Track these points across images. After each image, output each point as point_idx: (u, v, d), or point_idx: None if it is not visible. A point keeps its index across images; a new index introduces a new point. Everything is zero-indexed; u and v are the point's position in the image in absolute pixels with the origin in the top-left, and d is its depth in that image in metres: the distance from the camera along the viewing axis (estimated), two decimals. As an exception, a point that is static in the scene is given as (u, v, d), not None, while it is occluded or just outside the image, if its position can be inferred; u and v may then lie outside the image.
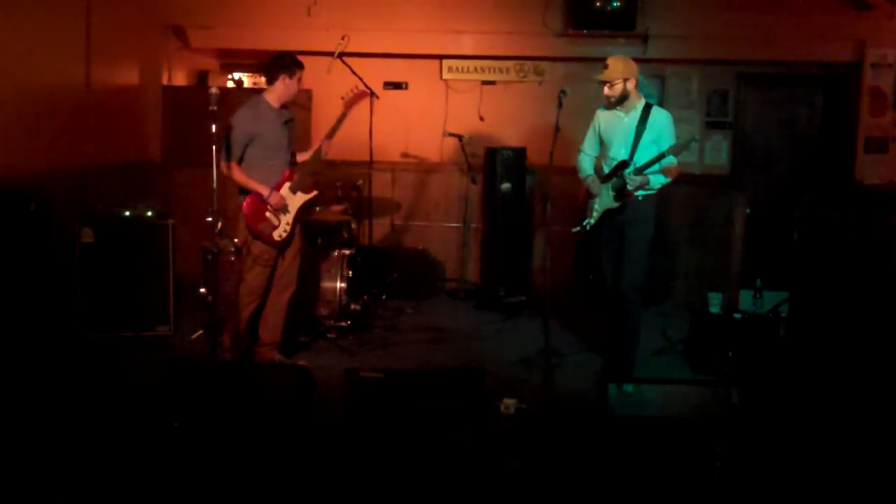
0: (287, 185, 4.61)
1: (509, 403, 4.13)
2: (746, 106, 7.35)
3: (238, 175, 4.49)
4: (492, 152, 6.67)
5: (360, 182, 6.13)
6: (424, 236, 7.31)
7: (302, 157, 4.80)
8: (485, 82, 7.33)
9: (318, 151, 4.74)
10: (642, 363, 5.02)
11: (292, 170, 4.67)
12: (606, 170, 4.61)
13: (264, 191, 4.49)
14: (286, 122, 4.64)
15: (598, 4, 6.56)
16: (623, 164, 4.48)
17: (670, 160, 4.38)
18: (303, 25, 6.89)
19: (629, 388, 3.65)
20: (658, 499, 3.22)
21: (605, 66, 4.50)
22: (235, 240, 4.70)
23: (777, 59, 7.02)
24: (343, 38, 5.88)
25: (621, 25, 6.67)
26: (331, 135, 4.76)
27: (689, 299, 6.37)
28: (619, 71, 4.48)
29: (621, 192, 4.48)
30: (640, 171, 4.37)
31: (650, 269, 6.48)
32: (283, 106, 4.65)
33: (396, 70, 7.30)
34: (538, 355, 5.02)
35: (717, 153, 7.37)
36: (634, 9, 6.59)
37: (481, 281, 7.07)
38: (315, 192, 4.76)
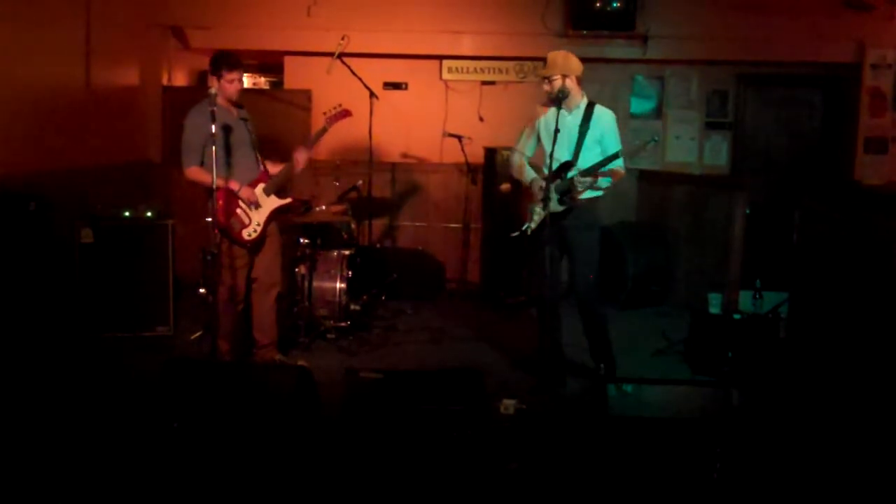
0: (261, 185, 4.56)
1: (509, 404, 4.13)
2: (746, 106, 7.36)
3: (203, 176, 4.31)
4: (491, 152, 6.67)
5: (360, 182, 6.13)
6: (424, 236, 7.31)
7: (275, 168, 4.69)
8: (484, 83, 7.34)
9: (293, 161, 4.60)
10: (642, 363, 5.02)
11: (267, 172, 4.62)
12: (546, 171, 4.40)
13: (234, 185, 4.43)
14: (242, 120, 4.55)
15: (598, 5, 6.57)
16: (566, 165, 4.33)
17: (618, 163, 4.26)
18: (303, 25, 6.90)
19: (629, 388, 3.64)
20: (658, 499, 3.22)
21: (544, 61, 4.37)
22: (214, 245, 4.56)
23: (777, 60, 7.03)
24: (343, 39, 5.88)
25: (621, 26, 6.67)
26: (308, 146, 4.66)
27: (689, 299, 6.36)
28: (558, 67, 4.33)
29: (567, 195, 4.33)
30: (587, 172, 4.23)
31: (649, 268, 6.54)
32: (239, 105, 4.58)
33: (396, 70, 7.30)
34: (538, 355, 5.01)
35: (716, 153, 7.37)
36: (634, 9, 6.59)
37: (481, 281, 7.07)
38: (289, 200, 4.69)
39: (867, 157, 6.90)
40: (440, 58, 7.26)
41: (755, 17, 6.77)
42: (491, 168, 6.66)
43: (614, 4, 6.54)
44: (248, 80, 7.96)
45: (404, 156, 7.34)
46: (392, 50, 7.06)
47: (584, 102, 4.42)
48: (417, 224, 7.33)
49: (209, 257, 4.17)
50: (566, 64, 4.36)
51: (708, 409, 3.46)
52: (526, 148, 4.64)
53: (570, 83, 4.37)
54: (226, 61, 4.45)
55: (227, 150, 4.42)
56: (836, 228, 5.12)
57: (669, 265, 6.81)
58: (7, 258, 4.59)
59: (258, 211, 4.54)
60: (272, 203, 4.60)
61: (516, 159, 4.67)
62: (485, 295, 6.73)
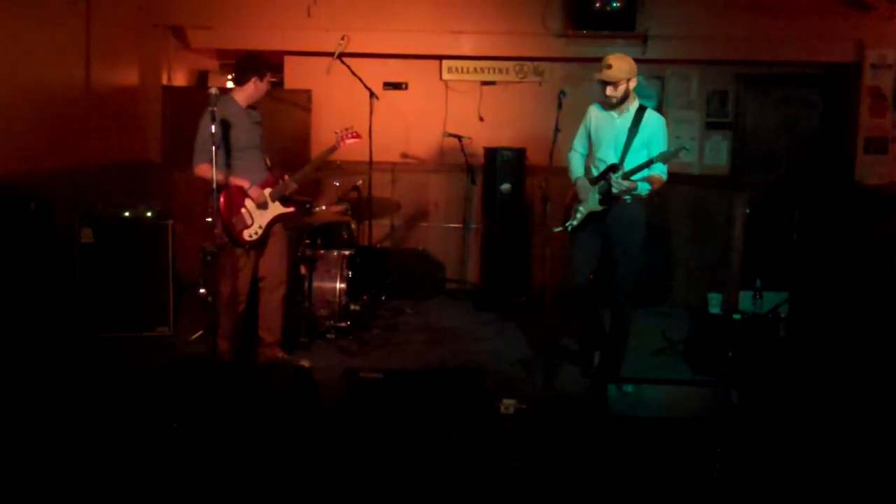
0: (269, 190, 4.59)
1: (509, 403, 4.13)
2: (746, 106, 7.35)
3: (211, 174, 4.30)
4: (491, 152, 6.67)
5: (360, 182, 6.14)
6: (424, 236, 7.31)
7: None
8: (484, 83, 7.33)
9: (299, 176, 4.71)
10: (642, 363, 5.02)
11: (277, 178, 4.65)
12: (595, 172, 4.52)
13: (245, 183, 4.47)
14: (256, 124, 4.61)
15: (597, 5, 6.56)
16: (612, 168, 4.37)
17: (658, 168, 4.27)
18: (302, 26, 6.90)
19: (629, 388, 3.64)
20: (658, 499, 3.22)
21: (609, 66, 4.30)
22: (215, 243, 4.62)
23: (777, 60, 7.03)
24: (343, 39, 5.88)
25: (621, 26, 6.66)
26: (316, 165, 4.83)
27: (689, 299, 6.36)
28: (624, 71, 4.31)
29: (607, 197, 4.38)
30: (627, 175, 4.28)
31: (650, 269, 6.54)
32: (252, 107, 4.62)
33: (396, 70, 7.30)
34: (538, 355, 5.02)
35: (716, 153, 7.37)
36: (634, 9, 6.59)
37: (481, 281, 7.07)
38: (292, 209, 4.73)
39: (867, 157, 6.89)
40: (440, 58, 7.25)
41: (755, 17, 6.76)
42: (491, 168, 6.66)
43: (614, 4, 6.54)
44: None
45: (404, 156, 7.33)
46: (392, 50, 7.05)
47: (634, 105, 4.42)
48: (417, 224, 7.33)
49: (209, 257, 4.18)
50: (630, 67, 4.35)
51: (708, 409, 3.46)
52: (582, 146, 4.70)
53: (632, 86, 4.39)
54: (266, 62, 4.54)
55: (237, 150, 4.46)
56: (836, 228, 5.12)
57: (669, 265, 6.81)
58: (7, 258, 4.60)
59: (262, 214, 4.56)
60: (276, 209, 4.63)
61: (571, 157, 4.73)
62: (485, 295, 6.73)
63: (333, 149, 4.79)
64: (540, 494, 3.34)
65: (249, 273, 4.63)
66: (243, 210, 4.50)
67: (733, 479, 3.21)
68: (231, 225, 4.46)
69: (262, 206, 4.55)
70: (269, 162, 4.70)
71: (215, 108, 4.01)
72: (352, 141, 4.87)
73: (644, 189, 4.39)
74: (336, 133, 4.86)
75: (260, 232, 4.56)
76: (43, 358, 4.72)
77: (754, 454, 3.42)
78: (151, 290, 5.36)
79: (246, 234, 4.52)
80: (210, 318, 4.29)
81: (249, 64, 4.54)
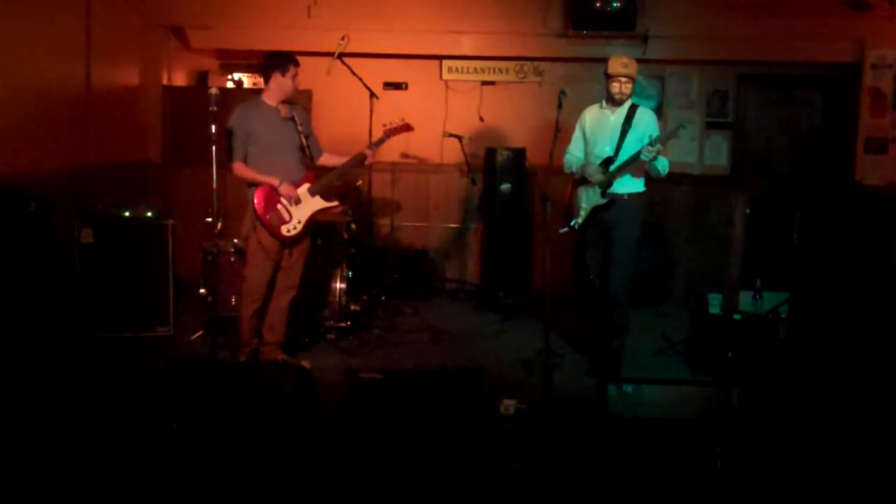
0: (307, 185, 4.60)
1: (509, 404, 4.13)
2: (746, 106, 7.36)
3: (246, 172, 4.49)
4: (492, 153, 6.67)
5: (360, 182, 6.13)
6: (424, 236, 7.31)
7: (330, 160, 4.77)
8: (485, 83, 7.33)
9: (355, 159, 4.70)
10: (642, 363, 5.02)
11: (316, 172, 4.67)
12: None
13: (274, 181, 4.49)
14: (289, 120, 4.62)
15: (598, 5, 6.57)
16: (608, 161, 4.50)
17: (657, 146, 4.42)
18: (303, 26, 6.90)
19: (629, 388, 3.65)
20: (658, 499, 3.22)
21: (625, 64, 4.47)
22: (239, 236, 4.69)
23: (777, 60, 7.03)
24: (343, 39, 5.88)
25: (621, 26, 6.67)
26: (372, 147, 4.79)
27: (689, 299, 6.36)
28: (636, 70, 4.53)
29: (608, 188, 4.50)
30: (630, 161, 4.42)
31: (649, 269, 6.54)
32: (290, 102, 4.64)
33: (396, 70, 7.30)
34: (538, 355, 5.02)
35: (717, 153, 7.37)
36: (634, 9, 6.59)
37: (481, 281, 7.07)
38: (336, 203, 4.76)
39: (867, 157, 6.90)
40: (440, 58, 7.26)
41: (755, 17, 6.77)
42: (491, 168, 6.65)
43: (614, 4, 6.54)
44: (248, 80, 7.94)
45: (404, 156, 7.33)
46: (392, 50, 7.05)
47: (627, 103, 4.58)
48: (417, 224, 7.33)
49: (209, 257, 4.18)
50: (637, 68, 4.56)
51: (708, 409, 3.46)
52: (577, 149, 4.82)
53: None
54: (289, 56, 4.56)
55: (265, 147, 4.49)
56: (836, 228, 5.12)
57: (669, 265, 6.81)
58: (7, 258, 4.60)
59: (300, 209, 4.57)
60: (316, 204, 4.64)
61: (567, 160, 4.85)
62: (484, 295, 6.72)
63: (380, 141, 4.81)
64: (539, 495, 3.34)
65: (272, 269, 4.64)
66: (279, 206, 4.52)
67: (733, 479, 3.21)
68: (268, 222, 4.48)
69: (297, 202, 4.56)
70: (309, 154, 4.70)
71: (215, 108, 4.02)
72: (402, 133, 4.85)
73: (661, 168, 4.42)
74: (384, 126, 4.85)
75: (299, 227, 4.57)
76: (43, 358, 4.72)
77: (754, 454, 3.42)
78: (151, 290, 5.36)
79: (284, 230, 4.53)
80: (210, 318, 4.29)
81: (269, 62, 4.57)
